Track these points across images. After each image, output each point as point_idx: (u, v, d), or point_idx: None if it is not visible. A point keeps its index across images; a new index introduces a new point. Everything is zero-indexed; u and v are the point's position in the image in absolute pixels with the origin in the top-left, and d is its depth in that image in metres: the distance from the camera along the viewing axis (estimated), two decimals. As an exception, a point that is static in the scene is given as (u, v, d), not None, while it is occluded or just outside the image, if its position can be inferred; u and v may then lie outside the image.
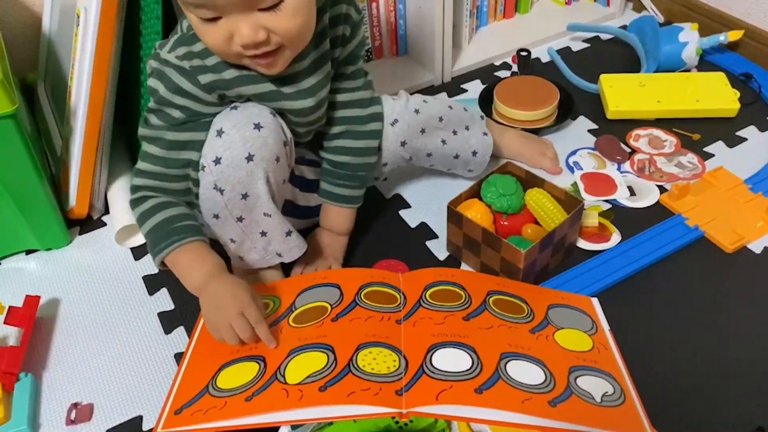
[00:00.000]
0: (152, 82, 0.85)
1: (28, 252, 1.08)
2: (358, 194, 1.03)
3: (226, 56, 0.81)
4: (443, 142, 1.07)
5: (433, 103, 1.07)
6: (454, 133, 1.08)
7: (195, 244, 0.85)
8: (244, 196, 0.86)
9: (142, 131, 0.87)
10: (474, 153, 1.10)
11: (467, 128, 1.09)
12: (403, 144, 1.03)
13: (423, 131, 1.04)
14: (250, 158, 0.84)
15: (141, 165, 0.88)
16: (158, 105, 0.85)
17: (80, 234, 1.11)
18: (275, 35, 0.77)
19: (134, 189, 0.89)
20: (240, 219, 0.88)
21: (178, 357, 0.92)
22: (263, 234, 0.91)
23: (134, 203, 0.88)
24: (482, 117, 1.14)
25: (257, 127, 0.84)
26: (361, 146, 0.99)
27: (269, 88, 0.86)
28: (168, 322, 0.97)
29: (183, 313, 0.98)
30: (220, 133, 0.84)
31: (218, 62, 0.83)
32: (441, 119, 1.06)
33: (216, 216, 0.88)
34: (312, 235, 1.04)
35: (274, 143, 0.86)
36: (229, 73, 0.84)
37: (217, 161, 0.83)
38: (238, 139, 0.83)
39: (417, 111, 1.04)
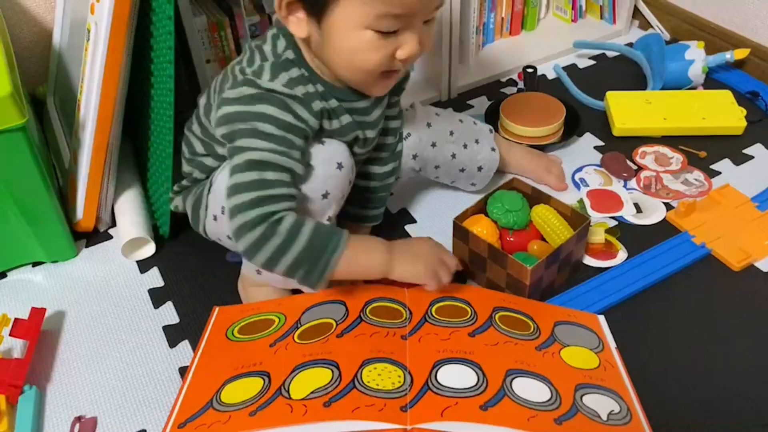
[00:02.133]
0: (259, 108, 0.79)
1: (35, 264, 1.09)
2: (379, 213, 1.05)
3: (369, 77, 0.81)
4: (453, 155, 1.08)
5: (445, 116, 1.09)
6: (464, 146, 1.09)
7: (350, 237, 0.83)
8: None
9: (252, 155, 0.78)
10: (479, 168, 1.11)
11: (477, 142, 1.10)
12: (414, 157, 1.05)
13: (434, 145, 1.06)
14: (325, 196, 0.84)
15: (265, 192, 0.78)
16: (276, 129, 0.79)
17: (87, 247, 1.12)
18: (424, 48, 0.79)
19: (264, 217, 0.78)
20: None
21: (183, 371, 0.91)
22: None
23: (271, 228, 0.78)
24: (491, 131, 1.15)
25: (339, 166, 0.85)
26: (386, 170, 1.01)
27: (348, 120, 0.87)
28: (173, 335, 0.96)
29: (188, 326, 0.97)
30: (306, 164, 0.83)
31: (323, 90, 0.83)
32: (452, 133, 1.07)
33: None
34: None
35: (346, 183, 0.87)
36: (333, 102, 0.84)
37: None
38: (321, 176, 0.83)
39: (429, 125, 1.05)
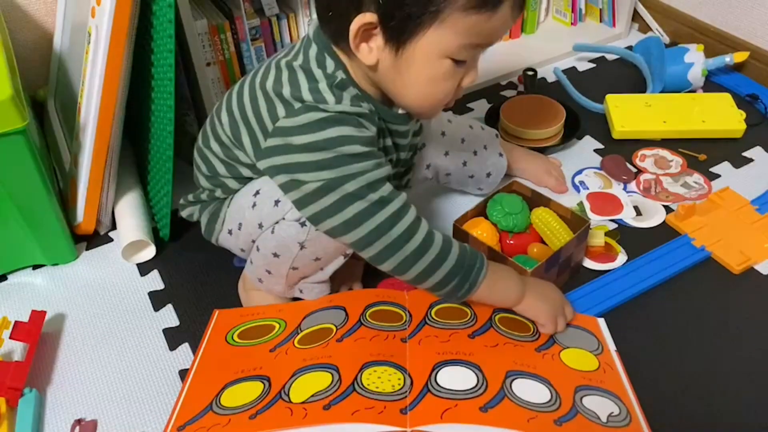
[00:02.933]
0: (335, 131, 0.75)
1: (35, 267, 1.09)
2: None
3: (437, 105, 0.81)
4: (464, 163, 1.09)
5: (457, 122, 1.10)
6: (474, 153, 1.10)
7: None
8: (317, 259, 0.86)
9: (352, 186, 0.76)
10: (488, 174, 1.12)
11: (485, 148, 1.11)
12: (428, 166, 1.06)
13: (447, 153, 1.07)
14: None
15: (392, 206, 0.77)
16: (360, 147, 0.76)
17: (87, 249, 1.12)
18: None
19: (409, 235, 0.78)
20: (295, 268, 0.87)
21: (183, 374, 0.91)
22: (303, 278, 0.91)
23: (425, 241, 0.78)
24: (497, 135, 1.15)
25: None
26: (402, 183, 1.01)
27: (389, 143, 0.87)
28: (173, 338, 0.96)
29: (188, 329, 0.97)
30: None
31: (373, 110, 0.81)
32: (463, 140, 1.08)
33: (275, 255, 0.86)
34: None
35: None
36: (381, 123, 0.83)
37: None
38: None
39: (443, 134, 1.06)
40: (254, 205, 0.85)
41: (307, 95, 0.77)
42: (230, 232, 0.91)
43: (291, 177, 0.78)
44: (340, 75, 0.79)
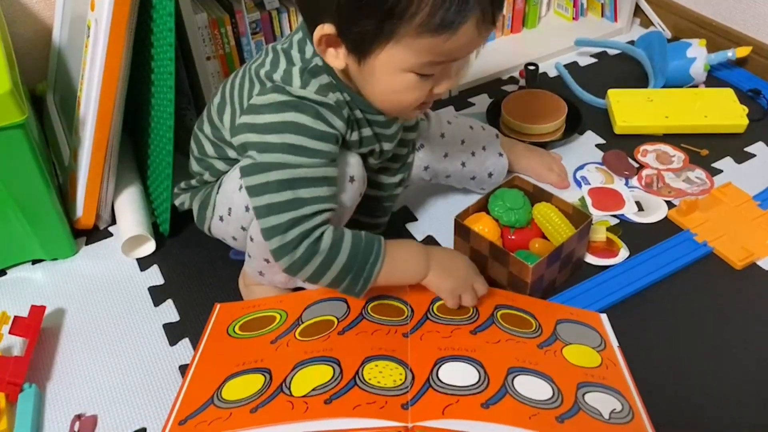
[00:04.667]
0: (289, 116, 0.77)
1: (34, 262, 1.08)
2: (384, 221, 1.04)
3: (405, 110, 0.82)
4: (463, 164, 1.08)
5: (457, 124, 1.09)
6: (473, 154, 1.09)
7: (387, 241, 0.84)
8: None
9: (281, 175, 0.77)
10: (490, 174, 1.12)
11: (484, 148, 1.10)
12: (426, 168, 1.05)
13: (446, 155, 1.06)
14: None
15: (300, 212, 0.78)
16: (306, 140, 0.77)
17: (86, 244, 1.11)
18: (456, 82, 0.80)
19: (304, 236, 0.78)
20: None
21: (183, 369, 0.91)
22: None
23: (313, 246, 0.78)
24: (497, 135, 1.14)
25: (351, 180, 0.84)
26: (395, 181, 1.00)
27: (369, 132, 0.87)
28: (173, 333, 0.96)
29: (188, 324, 0.97)
30: None
31: (350, 99, 0.82)
32: (463, 142, 1.07)
33: None
34: None
35: (357, 196, 0.87)
36: (358, 113, 0.84)
37: None
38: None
39: (443, 135, 1.05)
40: (241, 187, 0.85)
41: (278, 76, 0.80)
42: (221, 218, 0.92)
43: (248, 153, 0.80)
44: (317, 61, 0.80)
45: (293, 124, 0.77)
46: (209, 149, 0.93)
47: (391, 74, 0.76)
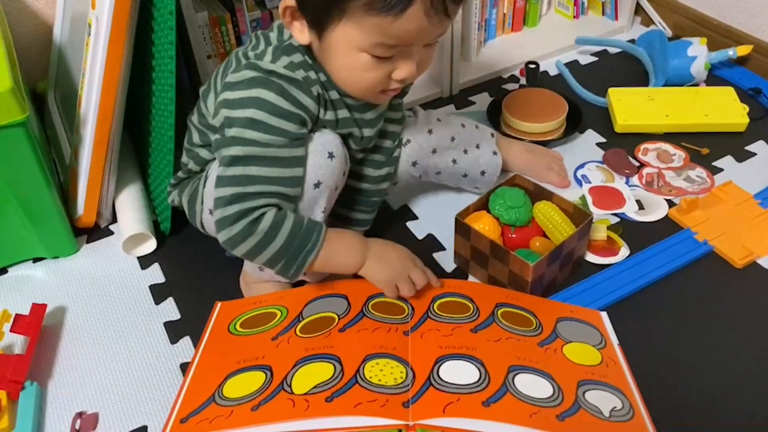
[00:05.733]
0: (254, 92, 0.78)
1: (36, 260, 1.08)
2: (369, 218, 1.04)
3: (368, 92, 0.82)
4: (453, 161, 1.07)
5: (447, 122, 1.08)
6: (465, 152, 1.08)
7: (329, 231, 0.85)
8: None
9: (235, 151, 0.78)
10: (482, 173, 1.11)
11: (477, 147, 1.09)
12: (414, 164, 1.04)
13: (434, 151, 1.05)
14: (317, 185, 0.84)
15: (245, 189, 0.78)
16: (266, 116, 0.78)
17: (87, 242, 1.11)
18: (420, 69, 0.81)
19: (243, 214, 0.79)
20: None
21: (184, 367, 0.91)
22: None
23: (250, 226, 0.79)
24: (492, 135, 1.14)
25: (330, 156, 0.84)
26: (380, 174, 1.00)
27: (346, 114, 0.87)
28: (174, 331, 0.96)
29: (189, 323, 0.97)
30: None
31: (325, 80, 0.83)
32: (453, 139, 1.06)
33: None
34: None
35: (339, 173, 0.87)
36: (334, 94, 0.84)
37: None
38: (312, 165, 0.83)
39: (430, 131, 1.04)
40: None
41: (251, 53, 0.83)
42: (210, 211, 0.91)
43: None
44: (293, 42, 0.82)
45: (256, 99, 0.78)
46: (195, 137, 0.94)
47: (346, 52, 0.77)
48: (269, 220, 0.79)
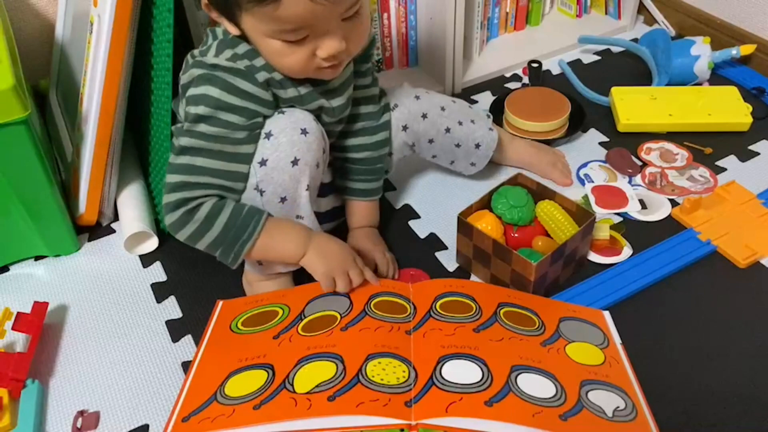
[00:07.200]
0: (202, 89, 0.80)
1: (37, 258, 1.08)
2: (379, 186, 1.05)
3: (302, 73, 0.82)
4: (447, 129, 1.08)
5: (435, 93, 1.10)
6: (459, 123, 1.08)
7: (271, 219, 0.86)
8: (283, 200, 0.86)
9: (185, 141, 0.82)
10: (477, 145, 1.11)
11: (473, 122, 1.10)
12: (405, 128, 1.05)
13: (424, 116, 1.06)
14: (295, 162, 0.84)
15: (189, 178, 0.82)
16: (213, 111, 0.80)
17: (89, 241, 1.11)
18: (351, 43, 0.80)
19: (182, 202, 0.82)
20: None
21: (186, 365, 0.91)
22: None
23: (187, 214, 0.82)
24: (488, 116, 1.14)
25: (304, 132, 0.84)
26: (378, 140, 1.01)
27: (309, 89, 0.87)
28: (176, 330, 0.96)
29: (191, 321, 0.97)
30: (268, 135, 0.84)
31: (266, 63, 0.83)
32: (443, 108, 1.07)
33: None
34: (351, 237, 1.04)
35: (317, 149, 0.87)
36: (278, 75, 0.84)
37: (263, 163, 0.83)
38: (286, 143, 0.83)
39: (417, 97, 1.06)
40: None
41: (197, 51, 0.85)
42: None
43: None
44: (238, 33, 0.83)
45: (204, 96, 0.80)
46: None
47: (260, 40, 0.79)
48: (206, 210, 0.83)
